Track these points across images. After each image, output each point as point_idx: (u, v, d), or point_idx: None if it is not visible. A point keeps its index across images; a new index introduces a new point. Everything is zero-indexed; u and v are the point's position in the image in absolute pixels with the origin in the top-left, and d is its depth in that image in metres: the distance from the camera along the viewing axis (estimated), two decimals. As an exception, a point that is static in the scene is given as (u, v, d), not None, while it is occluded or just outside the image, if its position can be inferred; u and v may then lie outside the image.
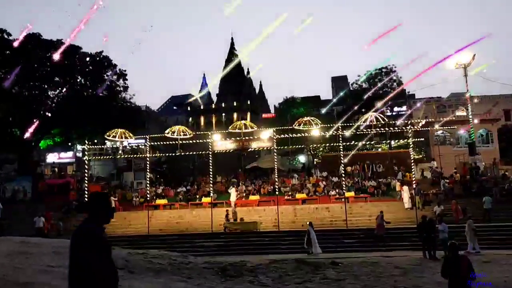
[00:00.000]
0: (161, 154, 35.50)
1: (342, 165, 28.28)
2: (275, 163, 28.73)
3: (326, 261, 15.68)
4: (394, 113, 52.45)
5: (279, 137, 27.74)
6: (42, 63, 38.86)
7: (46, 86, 38.84)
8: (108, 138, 29.12)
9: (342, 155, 27.58)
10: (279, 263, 15.27)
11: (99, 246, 3.32)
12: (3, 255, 10.44)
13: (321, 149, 41.05)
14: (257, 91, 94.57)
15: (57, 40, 39.37)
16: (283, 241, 22.31)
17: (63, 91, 39.71)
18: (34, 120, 36.63)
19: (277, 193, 27.78)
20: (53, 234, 24.73)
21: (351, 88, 56.51)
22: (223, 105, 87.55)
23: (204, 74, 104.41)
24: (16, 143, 38.62)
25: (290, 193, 30.36)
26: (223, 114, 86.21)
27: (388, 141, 38.73)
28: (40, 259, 10.71)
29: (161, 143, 33.34)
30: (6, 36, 38.27)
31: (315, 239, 19.87)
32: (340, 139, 26.32)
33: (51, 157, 49.02)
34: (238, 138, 28.10)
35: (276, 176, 28.25)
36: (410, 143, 27.05)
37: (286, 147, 31.94)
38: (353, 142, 30.68)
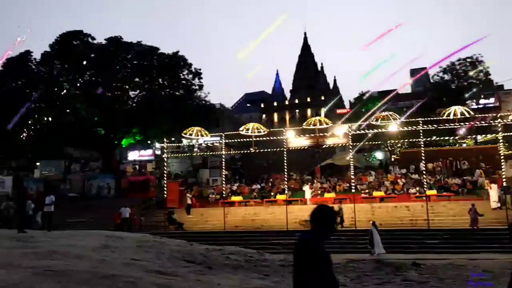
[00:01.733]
0: (236, 152, 36.02)
1: (423, 161, 27.12)
2: (351, 160, 28.15)
3: (407, 262, 15.10)
4: (480, 106, 49.32)
5: (355, 133, 27.15)
6: (123, 65, 40.95)
7: (127, 87, 40.78)
8: (184, 136, 30.07)
9: (423, 151, 26.46)
10: (357, 262, 14.94)
11: (321, 260, 3.37)
12: (91, 249, 11.09)
13: (399, 145, 39.62)
14: (331, 86, 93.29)
15: (136, 42, 41.37)
16: (360, 240, 21.79)
17: (142, 91, 41.50)
18: (116, 120, 38.95)
19: (353, 190, 27.22)
20: (135, 228, 25.96)
21: (431, 80, 54.01)
22: (296, 101, 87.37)
23: (277, 71, 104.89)
24: (100, 142, 41.16)
25: (367, 190, 29.65)
26: (297, 111, 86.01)
27: (474, 136, 36.54)
28: (124, 252, 11.26)
29: (236, 140, 33.87)
30: (90, 40, 40.85)
31: (378, 240, 19.35)
32: (421, 134, 25.24)
33: (132, 155, 51.36)
34: (312, 135, 27.86)
35: (352, 174, 27.68)
36: (500, 138, 25.32)
37: (362, 143, 31.19)
38: (434, 137, 29.32)
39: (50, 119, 36.87)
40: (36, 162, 43.43)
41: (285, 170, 28.14)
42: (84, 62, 39.33)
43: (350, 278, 11.93)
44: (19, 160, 43.27)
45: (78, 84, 40.00)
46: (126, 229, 24.64)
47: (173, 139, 33.84)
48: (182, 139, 32.65)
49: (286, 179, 29.01)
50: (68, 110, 37.93)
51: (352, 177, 27.72)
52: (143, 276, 7.89)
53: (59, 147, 41.21)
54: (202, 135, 29.38)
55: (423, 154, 26.70)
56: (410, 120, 27.63)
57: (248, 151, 30.26)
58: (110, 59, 39.15)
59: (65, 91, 38.39)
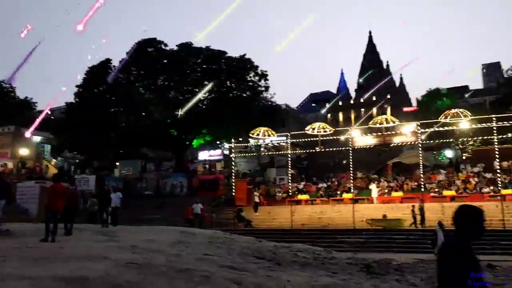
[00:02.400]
0: (302, 151, 35.83)
1: (497, 159, 25.57)
2: (420, 158, 27.13)
3: (481, 264, 14.28)
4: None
5: (423, 131, 26.14)
6: (194, 69, 42.01)
7: (197, 90, 41.92)
8: (252, 136, 30.39)
9: (497, 149, 24.96)
10: (427, 262, 14.39)
11: (472, 267, 3.01)
12: (167, 244, 11.50)
13: (471, 142, 37.60)
14: (397, 84, 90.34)
15: (206, 47, 42.41)
16: (429, 240, 20.89)
17: (211, 94, 42.38)
18: (187, 122, 40.06)
19: (422, 189, 26.21)
20: (206, 224, 26.55)
21: (505, 76, 50.78)
22: (361, 100, 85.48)
23: (342, 70, 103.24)
24: (173, 143, 42.42)
25: (436, 189, 28.43)
26: (362, 110, 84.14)
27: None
28: (197, 247, 11.56)
29: (301, 140, 33.77)
30: (163, 47, 42.44)
31: (442, 240, 18.40)
32: (495, 131, 23.83)
33: (202, 155, 52.49)
34: (379, 134, 27.19)
35: (421, 172, 26.66)
36: None
37: (431, 141, 29.96)
38: (510, 135, 27.54)
39: (128, 122, 38.26)
40: (116, 162, 45.62)
41: (351, 168, 27.64)
42: (158, 68, 40.61)
43: (420, 278, 11.52)
44: (101, 161, 45.69)
45: (152, 88, 41.34)
46: (197, 225, 25.28)
47: (240, 139, 34.28)
48: (250, 139, 33.04)
49: (352, 177, 28.51)
50: (143, 113, 39.22)
51: (422, 175, 26.72)
52: (215, 271, 8.07)
53: (136, 148, 42.94)
54: (268, 135, 29.57)
55: (497, 152, 25.20)
56: (483, 117, 26.19)
57: (314, 150, 30.04)
58: (181, 64, 40.30)
59: (140, 95, 39.78)
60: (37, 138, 51.77)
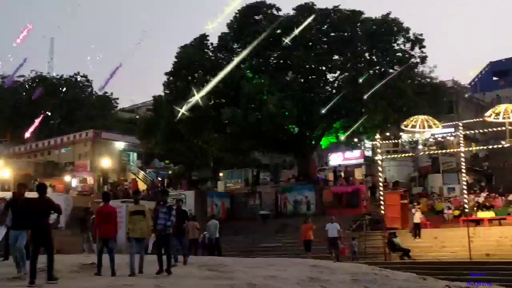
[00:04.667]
0: (480, 147, 34.31)
1: None
2: None
3: None
4: None
5: None
6: (318, 40, 42.13)
7: (324, 69, 41.88)
8: (405, 128, 29.73)
9: None
10: None
11: None
12: (294, 282, 11.80)
13: None
14: None
15: (333, 7, 42.23)
16: None
17: (344, 72, 42.18)
18: (313, 114, 40.34)
19: None
20: (344, 255, 26.80)
21: None
22: None
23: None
24: (294, 144, 42.75)
25: None
26: None
27: None
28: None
29: (479, 131, 32.24)
30: (275, 12, 43.18)
31: None
32: None
33: (334, 159, 52.30)
34: None
35: None
36: None
37: None
38: None
39: (233, 118, 39.05)
40: (219, 172, 47.35)
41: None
42: (270, 41, 40.88)
43: None
44: (201, 171, 47.69)
45: (264, 69, 41.92)
46: (334, 254, 25.64)
47: (388, 134, 33.66)
48: (401, 133, 32.32)
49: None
50: (253, 105, 39.59)
51: None
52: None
53: (245, 152, 44.13)
54: (429, 127, 28.77)
55: None
56: None
57: (500, 146, 28.69)
58: (301, 34, 40.30)
59: (248, 81, 40.45)
60: (120, 145, 55.57)
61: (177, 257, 15.10)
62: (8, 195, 24.68)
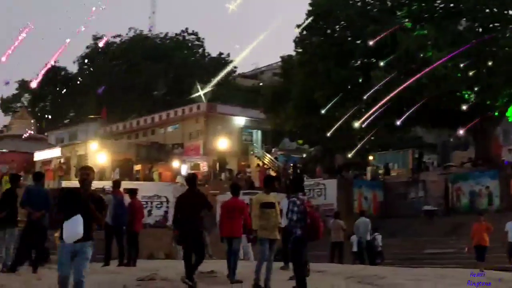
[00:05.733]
0: None
1: None
2: None
3: None
4: None
5: None
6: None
7: (510, 12, 39.19)
8: None
9: None
10: None
11: None
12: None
13: None
14: None
15: None
16: None
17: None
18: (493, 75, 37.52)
19: None
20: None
21: None
22: None
23: None
24: (467, 116, 40.30)
25: None
26: None
27: None
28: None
29: None
30: None
31: None
32: None
33: (522, 134, 50.60)
34: None
35: None
36: None
37: None
38: None
39: (390, 81, 37.56)
40: (368, 155, 44.85)
41: None
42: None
43: None
44: (345, 153, 46.37)
45: (426, 17, 40.39)
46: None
47: None
48: None
49: None
50: (413, 66, 38.08)
51: None
52: None
53: (401, 128, 42.61)
54: None
55: None
56: None
57: None
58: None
59: (406, 33, 38.77)
60: (240, 121, 54.13)
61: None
62: (107, 184, 25.27)
